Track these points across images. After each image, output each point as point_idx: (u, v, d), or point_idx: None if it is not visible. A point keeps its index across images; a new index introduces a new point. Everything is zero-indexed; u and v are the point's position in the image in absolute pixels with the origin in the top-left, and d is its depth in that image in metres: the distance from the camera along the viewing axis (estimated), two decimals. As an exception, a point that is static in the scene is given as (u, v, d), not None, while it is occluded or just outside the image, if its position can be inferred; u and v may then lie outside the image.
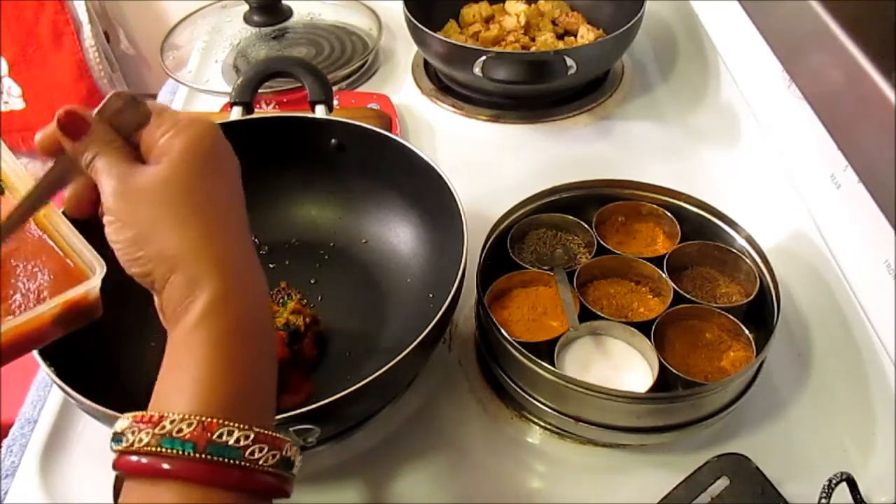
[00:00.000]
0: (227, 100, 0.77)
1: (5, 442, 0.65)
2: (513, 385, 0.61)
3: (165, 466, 0.32)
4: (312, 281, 0.73)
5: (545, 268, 0.67)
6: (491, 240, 0.68)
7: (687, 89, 1.01)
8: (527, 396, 0.60)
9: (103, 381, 0.55)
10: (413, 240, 0.74)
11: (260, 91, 0.77)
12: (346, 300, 0.72)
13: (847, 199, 0.63)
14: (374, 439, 0.63)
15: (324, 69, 0.83)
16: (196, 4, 1.19)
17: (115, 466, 0.34)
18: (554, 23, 1.05)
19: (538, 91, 0.96)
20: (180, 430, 0.32)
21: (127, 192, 0.38)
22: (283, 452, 0.35)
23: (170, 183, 0.38)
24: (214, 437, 0.33)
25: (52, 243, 0.44)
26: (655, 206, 0.71)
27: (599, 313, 0.63)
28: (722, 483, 0.54)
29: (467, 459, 0.62)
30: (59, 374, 0.52)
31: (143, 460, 0.33)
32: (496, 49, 0.94)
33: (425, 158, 0.69)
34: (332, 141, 0.75)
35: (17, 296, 0.42)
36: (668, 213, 0.70)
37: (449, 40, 0.94)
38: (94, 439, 0.64)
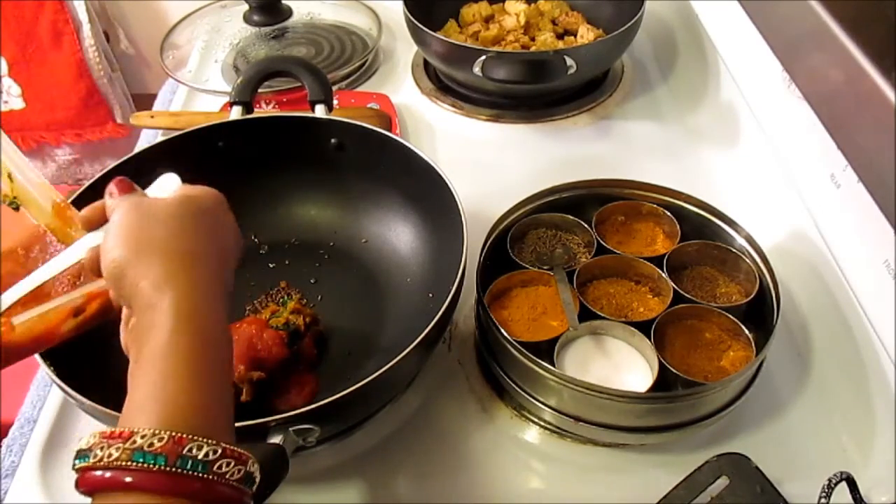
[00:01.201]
0: (226, 99, 0.77)
1: (5, 442, 0.65)
2: (513, 385, 0.61)
3: (128, 479, 0.34)
4: (312, 281, 0.73)
5: (545, 267, 0.67)
6: (491, 239, 0.68)
7: (687, 89, 1.01)
8: (527, 396, 0.60)
9: (103, 381, 0.55)
10: (413, 240, 0.74)
11: (260, 91, 0.77)
12: (346, 300, 0.72)
13: (847, 199, 0.63)
14: (374, 439, 0.63)
15: (324, 69, 0.83)
16: (196, 4, 1.19)
17: (78, 484, 0.35)
18: (554, 22, 1.05)
19: (538, 91, 0.96)
20: (151, 445, 0.34)
21: (136, 209, 0.44)
22: (248, 468, 0.37)
23: (171, 212, 0.44)
24: (185, 450, 0.34)
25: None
26: (655, 205, 0.71)
27: (599, 313, 0.63)
28: (722, 483, 0.54)
29: (467, 459, 0.62)
30: (58, 374, 0.52)
31: (108, 474, 0.34)
32: (496, 49, 0.94)
33: (425, 158, 0.69)
34: (332, 141, 0.75)
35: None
36: (668, 213, 0.70)
37: (449, 40, 0.94)
38: (94, 439, 0.63)
